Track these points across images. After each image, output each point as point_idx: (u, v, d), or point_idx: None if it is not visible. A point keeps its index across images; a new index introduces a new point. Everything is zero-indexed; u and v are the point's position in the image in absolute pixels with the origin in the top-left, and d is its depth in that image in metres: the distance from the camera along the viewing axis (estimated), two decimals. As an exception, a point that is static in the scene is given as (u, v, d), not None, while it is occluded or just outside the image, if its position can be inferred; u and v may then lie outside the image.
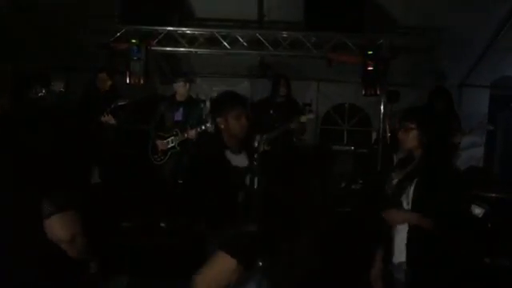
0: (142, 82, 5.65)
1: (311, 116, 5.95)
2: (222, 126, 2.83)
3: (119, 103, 5.58)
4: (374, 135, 6.90)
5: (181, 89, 5.26)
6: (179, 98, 5.30)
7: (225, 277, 1.67)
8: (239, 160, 2.86)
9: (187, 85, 5.29)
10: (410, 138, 2.50)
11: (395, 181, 2.53)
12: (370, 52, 5.51)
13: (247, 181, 2.80)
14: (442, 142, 2.50)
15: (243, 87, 6.98)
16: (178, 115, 5.28)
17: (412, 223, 2.38)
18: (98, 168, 5.85)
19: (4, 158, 2.08)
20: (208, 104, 7.24)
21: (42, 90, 4.35)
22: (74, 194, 2.14)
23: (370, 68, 5.51)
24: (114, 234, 4.73)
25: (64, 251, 2.14)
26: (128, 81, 5.64)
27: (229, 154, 2.85)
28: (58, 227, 2.06)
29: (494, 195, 5.09)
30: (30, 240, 2.09)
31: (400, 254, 2.42)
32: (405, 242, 2.40)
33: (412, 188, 2.41)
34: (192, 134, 5.14)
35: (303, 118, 5.69)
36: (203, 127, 5.13)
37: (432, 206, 2.34)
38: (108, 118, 5.53)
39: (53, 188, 2.08)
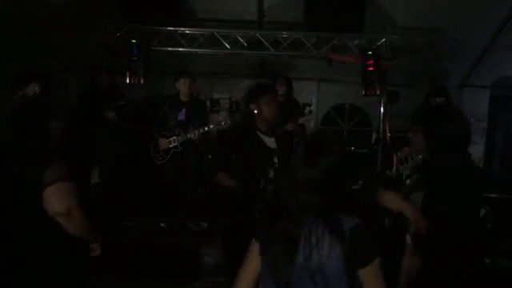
0: (142, 81, 5.63)
1: (309, 117, 5.95)
2: (255, 111, 3.21)
3: (118, 103, 5.59)
4: (374, 135, 6.90)
5: (182, 85, 5.21)
6: (182, 97, 5.27)
7: None
8: (269, 142, 3.23)
9: (187, 81, 5.22)
10: (417, 140, 2.51)
11: (408, 182, 2.55)
12: (370, 52, 5.50)
13: (276, 160, 3.20)
14: (445, 145, 2.46)
15: (243, 87, 6.98)
16: (181, 115, 5.24)
17: (407, 215, 2.34)
18: (97, 168, 5.86)
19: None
20: (208, 104, 7.28)
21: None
22: (72, 168, 2.23)
23: (370, 68, 5.50)
24: (113, 234, 4.73)
25: (62, 229, 2.18)
26: (128, 81, 5.63)
27: (260, 135, 3.23)
28: (54, 198, 2.13)
29: (494, 195, 5.09)
30: (26, 217, 2.15)
31: None
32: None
33: (421, 197, 2.39)
34: (195, 134, 5.12)
35: (301, 120, 5.69)
36: (206, 128, 5.13)
37: (435, 208, 2.32)
38: (111, 116, 5.55)
39: (51, 160, 2.18)
